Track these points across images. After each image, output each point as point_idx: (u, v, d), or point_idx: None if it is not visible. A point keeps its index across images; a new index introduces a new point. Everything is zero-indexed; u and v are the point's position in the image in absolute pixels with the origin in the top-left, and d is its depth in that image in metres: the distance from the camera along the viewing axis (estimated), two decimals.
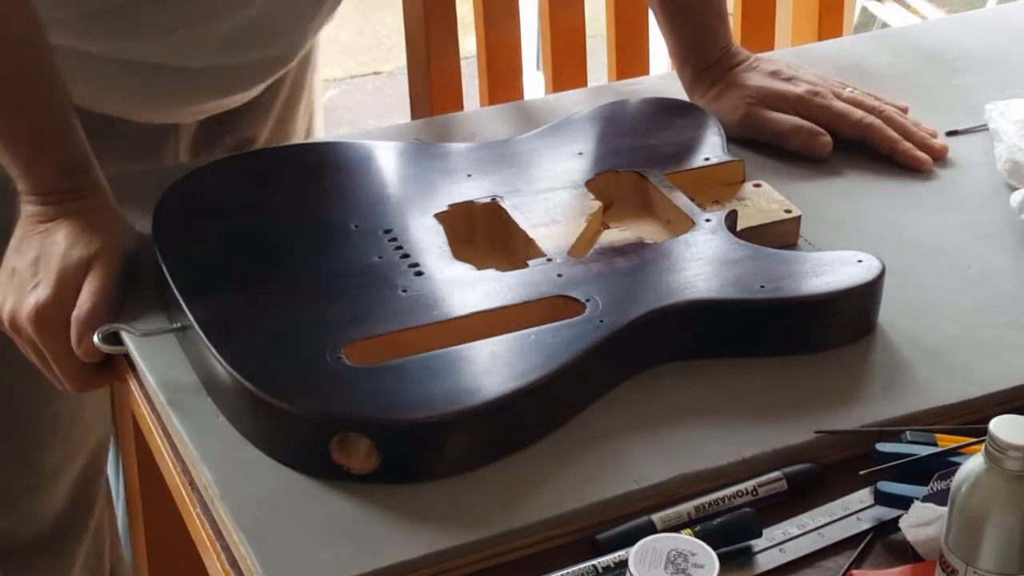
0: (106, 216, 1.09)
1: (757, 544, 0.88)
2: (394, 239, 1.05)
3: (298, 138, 1.44)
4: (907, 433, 0.94)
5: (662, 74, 1.49)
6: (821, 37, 1.71)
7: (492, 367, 0.94)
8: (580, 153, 1.17)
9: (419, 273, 1.02)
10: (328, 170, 1.15)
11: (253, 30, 1.21)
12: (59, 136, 1.09)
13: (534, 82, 1.95)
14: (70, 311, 1.03)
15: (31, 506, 1.36)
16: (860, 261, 1.04)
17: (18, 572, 1.39)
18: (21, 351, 1.08)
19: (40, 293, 1.04)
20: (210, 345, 0.94)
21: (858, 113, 1.26)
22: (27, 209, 1.09)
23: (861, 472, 0.92)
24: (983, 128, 1.28)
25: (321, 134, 1.51)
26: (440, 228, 1.07)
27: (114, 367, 1.06)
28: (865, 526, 0.90)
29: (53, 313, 1.03)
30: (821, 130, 1.25)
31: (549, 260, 1.03)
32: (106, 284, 1.04)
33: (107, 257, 1.05)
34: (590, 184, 1.13)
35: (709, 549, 0.78)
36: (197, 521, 0.93)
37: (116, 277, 1.05)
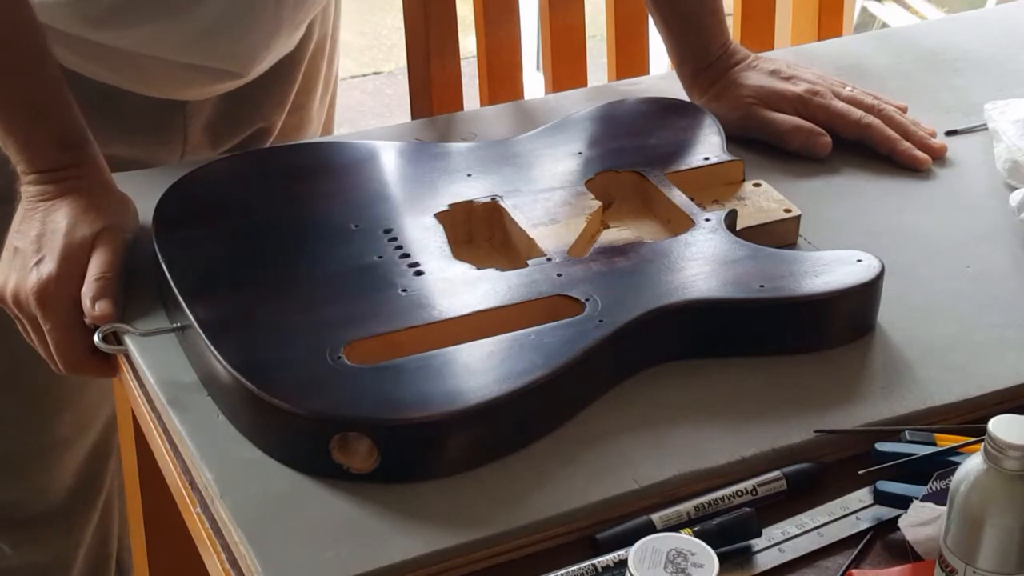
0: (107, 195, 1.09)
1: (756, 544, 0.88)
2: (394, 239, 1.05)
3: (315, 128, 1.43)
4: (906, 433, 0.94)
5: (662, 74, 1.48)
6: (821, 37, 1.71)
7: (492, 367, 0.94)
8: (580, 153, 1.17)
9: (419, 273, 1.02)
10: (328, 170, 1.15)
11: (213, 32, 1.20)
12: (55, 107, 1.09)
13: (534, 82, 1.95)
14: (74, 288, 1.04)
15: (41, 477, 1.36)
16: (859, 261, 1.04)
17: (27, 545, 1.39)
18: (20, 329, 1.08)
19: (44, 269, 1.04)
20: (210, 345, 0.94)
21: (857, 113, 1.26)
22: (27, 190, 1.09)
23: (860, 472, 0.92)
24: (982, 128, 1.28)
25: (339, 128, 1.51)
26: (440, 228, 1.07)
27: (110, 359, 1.06)
28: (864, 526, 0.91)
29: (56, 289, 1.03)
30: (820, 130, 1.25)
31: (549, 260, 1.03)
32: (112, 260, 1.04)
33: (111, 236, 1.06)
34: (590, 184, 1.13)
35: (709, 548, 0.79)
36: (197, 521, 0.93)
37: (120, 256, 1.06)
